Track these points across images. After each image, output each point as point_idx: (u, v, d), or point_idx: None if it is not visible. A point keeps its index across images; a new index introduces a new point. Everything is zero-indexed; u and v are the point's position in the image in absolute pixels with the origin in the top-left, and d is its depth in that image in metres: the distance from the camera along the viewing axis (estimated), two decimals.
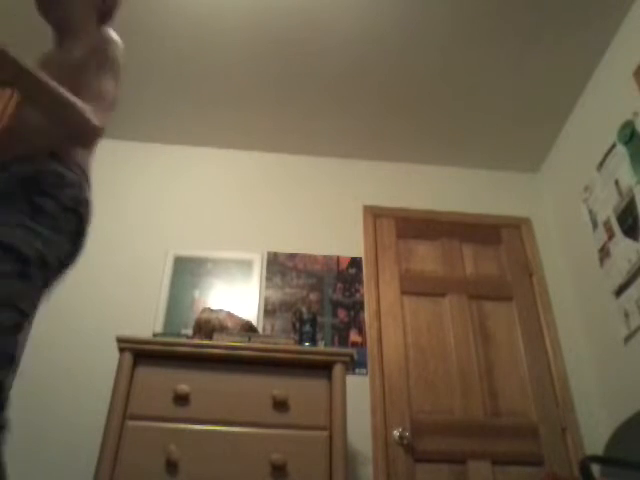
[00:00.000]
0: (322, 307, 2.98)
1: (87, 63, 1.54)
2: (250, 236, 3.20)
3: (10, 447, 2.48)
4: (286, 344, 2.27)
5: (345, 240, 3.24)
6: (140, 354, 2.11)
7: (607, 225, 2.80)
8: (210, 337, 2.32)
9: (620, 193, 2.71)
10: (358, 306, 3.01)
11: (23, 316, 1.31)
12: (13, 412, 2.60)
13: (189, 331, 2.74)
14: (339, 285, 3.07)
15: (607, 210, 2.80)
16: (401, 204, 3.41)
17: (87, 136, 1.46)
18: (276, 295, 3.00)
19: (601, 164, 2.89)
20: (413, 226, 3.33)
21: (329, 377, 2.16)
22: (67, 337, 2.77)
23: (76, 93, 1.47)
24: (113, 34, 1.62)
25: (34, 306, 1.36)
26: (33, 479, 2.40)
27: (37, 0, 1.62)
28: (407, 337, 2.94)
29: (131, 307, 2.87)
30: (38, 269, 1.35)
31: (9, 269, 1.29)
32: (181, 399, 2.05)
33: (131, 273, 2.99)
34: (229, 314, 2.45)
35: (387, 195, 3.44)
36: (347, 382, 2.19)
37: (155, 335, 2.51)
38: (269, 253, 3.14)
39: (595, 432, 2.71)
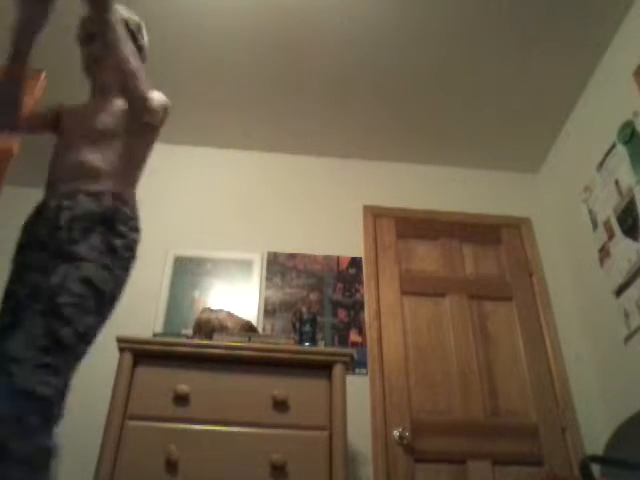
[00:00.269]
0: (322, 307, 2.98)
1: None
2: (250, 236, 3.20)
3: None
4: (286, 344, 2.27)
5: (345, 240, 3.23)
6: (140, 354, 2.11)
7: (607, 225, 2.80)
8: (210, 337, 2.32)
9: (620, 193, 2.71)
10: (358, 306, 3.01)
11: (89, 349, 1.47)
12: None
13: (189, 331, 2.74)
14: (339, 285, 3.07)
15: (607, 210, 2.80)
16: (401, 204, 3.41)
17: (140, 104, 1.62)
18: (276, 295, 3.00)
19: (601, 164, 2.88)
20: (413, 226, 3.33)
21: (329, 377, 2.16)
22: None
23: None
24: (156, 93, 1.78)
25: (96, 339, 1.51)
26: None
27: (85, 66, 1.79)
28: (407, 337, 2.93)
29: (131, 307, 2.87)
30: (107, 305, 1.51)
31: (92, 305, 1.43)
32: (181, 399, 2.05)
33: (131, 273, 2.98)
34: (229, 314, 2.45)
35: (387, 195, 3.44)
36: (347, 382, 2.19)
37: (155, 335, 2.51)
38: (269, 253, 3.14)
39: (595, 432, 2.71)
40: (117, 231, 1.56)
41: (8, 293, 1.51)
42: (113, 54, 1.56)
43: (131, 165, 1.71)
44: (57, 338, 1.33)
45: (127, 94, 1.63)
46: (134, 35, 1.84)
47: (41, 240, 1.53)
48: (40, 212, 1.61)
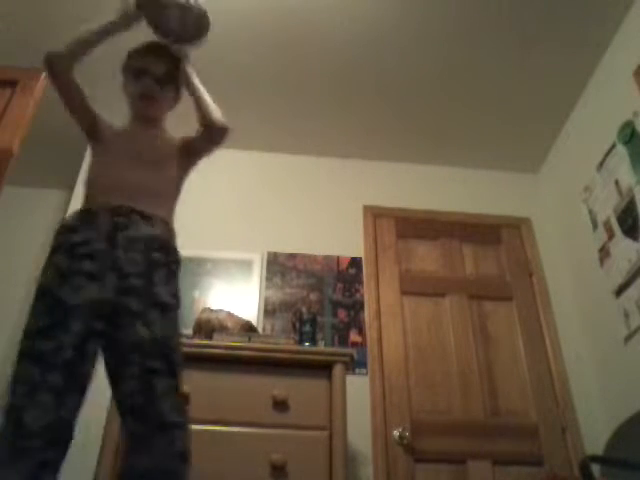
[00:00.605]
0: (322, 307, 2.98)
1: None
2: (250, 236, 3.19)
3: None
4: (286, 344, 2.28)
5: (345, 240, 3.23)
6: None
7: (607, 225, 2.80)
8: (210, 337, 2.31)
9: (620, 193, 2.71)
10: (358, 306, 3.01)
11: None
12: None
13: (189, 331, 2.74)
14: (339, 285, 3.07)
15: (607, 210, 2.80)
16: (401, 204, 3.41)
17: (220, 130, 1.80)
18: (276, 295, 3.00)
19: (601, 164, 2.88)
20: (413, 226, 3.33)
21: (329, 377, 2.16)
22: None
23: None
24: None
25: None
26: None
27: (145, 104, 1.84)
28: (407, 337, 2.93)
29: None
30: None
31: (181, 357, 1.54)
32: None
33: None
34: (229, 314, 2.45)
35: (387, 195, 3.44)
36: (347, 382, 2.19)
37: None
38: (269, 253, 3.14)
39: (595, 432, 2.71)
40: (174, 271, 1.61)
41: (43, 291, 1.50)
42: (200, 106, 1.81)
43: (175, 195, 1.78)
44: (180, 398, 1.47)
45: (211, 143, 1.85)
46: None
47: (90, 250, 1.52)
48: (85, 220, 1.59)
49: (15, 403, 1.36)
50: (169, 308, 1.53)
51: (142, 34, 1.85)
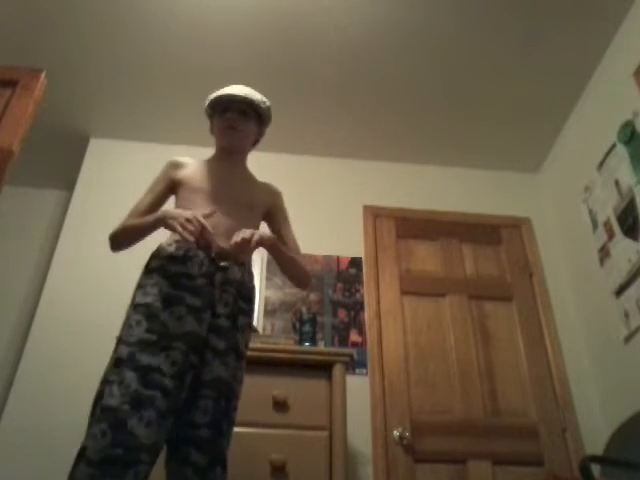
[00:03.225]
0: (322, 307, 2.98)
1: None
2: None
3: (12, 447, 2.48)
4: (286, 344, 2.28)
5: (345, 240, 3.23)
6: None
7: (607, 225, 2.80)
8: None
9: (620, 193, 2.71)
10: (358, 306, 3.01)
11: None
12: (16, 413, 2.61)
13: None
14: (339, 285, 3.07)
15: (607, 210, 2.80)
16: (401, 204, 3.41)
17: (307, 284, 1.87)
18: (276, 295, 3.00)
19: (601, 164, 2.88)
20: (413, 226, 3.33)
21: (329, 377, 2.16)
22: (69, 338, 2.77)
23: None
24: None
25: None
26: (35, 479, 2.40)
27: (229, 134, 1.87)
28: (407, 337, 2.93)
29: None
30: None
31: None
32: None
33: (132, 274, 2.98)
34: None
35: (387, 195, 3.44)
36: (347, 382, 2.19)
37: None
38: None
39: (595, 432, 2.71)
40: (250, 322, 1.67)
41: (146, 304, 1.51)
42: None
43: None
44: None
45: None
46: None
47: (193, 285, 1.55)
48: (188, 254, 1.61)
49: (117, 407, 1.34)
50: (242, 357, 1.62)
51: None
